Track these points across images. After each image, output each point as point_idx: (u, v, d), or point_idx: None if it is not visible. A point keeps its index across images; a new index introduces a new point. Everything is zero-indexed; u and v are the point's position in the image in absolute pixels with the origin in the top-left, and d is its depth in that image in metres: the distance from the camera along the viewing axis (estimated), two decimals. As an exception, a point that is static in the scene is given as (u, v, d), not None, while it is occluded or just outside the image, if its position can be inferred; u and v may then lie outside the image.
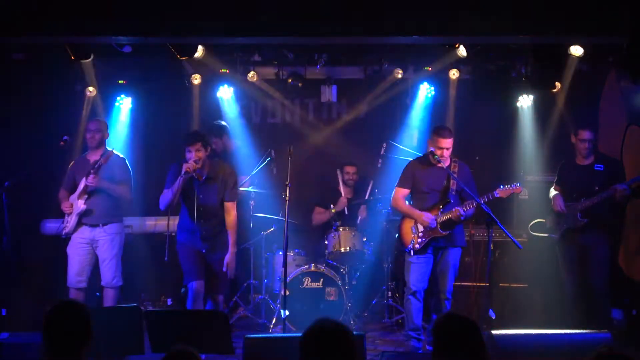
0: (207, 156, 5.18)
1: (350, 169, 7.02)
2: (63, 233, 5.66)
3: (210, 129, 6.68)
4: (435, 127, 5.45)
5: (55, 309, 2.87)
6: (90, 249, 5.66)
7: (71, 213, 5.64)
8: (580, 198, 5.62)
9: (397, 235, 5.65)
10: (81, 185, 5.62)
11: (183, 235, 5.35)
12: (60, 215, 5.78)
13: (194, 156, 5.05)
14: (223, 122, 7.00)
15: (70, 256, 5.65)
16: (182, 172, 5.00)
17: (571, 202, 5.68)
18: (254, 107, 7.84)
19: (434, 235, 5.27)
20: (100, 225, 5.65)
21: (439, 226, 5.25)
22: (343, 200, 6.80)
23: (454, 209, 5.18)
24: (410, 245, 5.32)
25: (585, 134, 5.68)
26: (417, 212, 5.33)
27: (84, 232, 5.65)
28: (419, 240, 5.29)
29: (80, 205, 5.61)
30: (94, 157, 5.71)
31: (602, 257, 5.62)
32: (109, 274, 5.64)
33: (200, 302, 5.24)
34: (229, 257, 5.23)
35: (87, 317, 2.88)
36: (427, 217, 5.25)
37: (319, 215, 6.99)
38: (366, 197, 6.89)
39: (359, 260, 6.61)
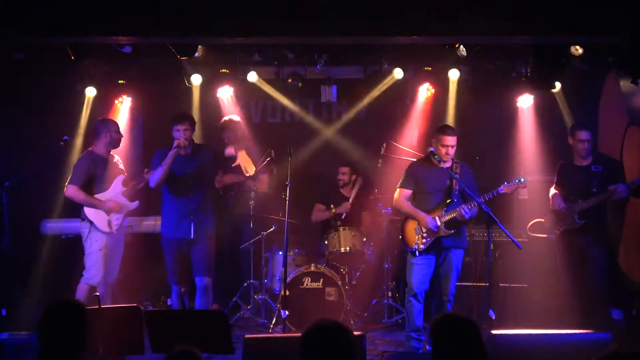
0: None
1: (344, 169, 7.02)
2: (114, 230, 5.66)
3: None
4: (439, 126, 5.47)
5: (51, 307, 2.86)
6: None
7: (119, 211, 5.70)
8: (579, 199, 5.61)
9: (400, 236, 5.62)
10: (118, 184, 5.73)
11: (167, 227, 5.55)
12: (66, 214, 5.89)
13: (183, 134, 5.43)
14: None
15: (113, 252, 5.67)
16: (174, 146, 5.35)
17: (570, 203, 5.68)
18: (254, 107, 7.84)
19: (439, 235, 5.26)
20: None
21: (443, 225, 5.24)
22: (347, 205, 6.80)
23: (458, 208, 5.18)
24: (415, 246, 5.29)
25: (583, 134, 5.66)
26: (420, 214, 5.29)
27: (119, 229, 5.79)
28: (424, 240, 5.27)
29: (131, 203, 5.79)
30: (110, 156, 5.79)
31: (601, 257, 5.62)
32: (118, 268, 5.76)
33: (185, 301, 5.63)
34: None
35: (84, 315, 2.87)
36: (430, 221, 5.23)
37: (319, 213, 7.00)
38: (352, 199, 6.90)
39: (359, 260, 6.61)
